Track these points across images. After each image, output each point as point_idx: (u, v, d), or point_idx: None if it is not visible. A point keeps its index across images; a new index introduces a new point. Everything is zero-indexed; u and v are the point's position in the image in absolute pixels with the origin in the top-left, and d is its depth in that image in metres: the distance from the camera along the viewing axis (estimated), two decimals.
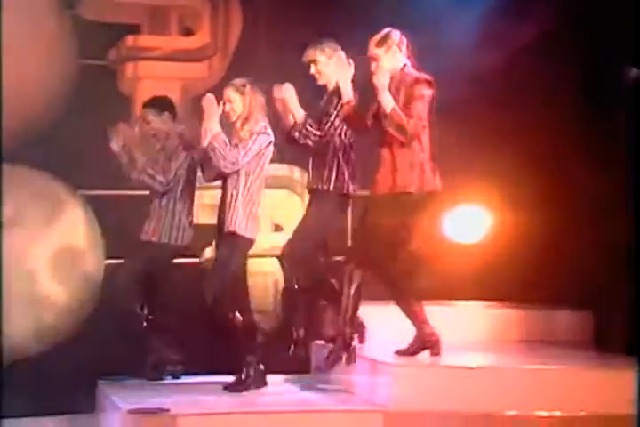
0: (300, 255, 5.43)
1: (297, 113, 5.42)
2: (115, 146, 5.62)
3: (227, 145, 5.26)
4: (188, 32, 6.80)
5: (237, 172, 5.29)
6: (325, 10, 6.45)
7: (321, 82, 5.48)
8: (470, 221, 6.79)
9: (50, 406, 5.46)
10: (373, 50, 5.20)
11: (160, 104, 5.79)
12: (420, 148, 5.15)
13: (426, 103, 5.11)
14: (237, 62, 6.69)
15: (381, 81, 5.03)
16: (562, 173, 6.42)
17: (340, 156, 5.46)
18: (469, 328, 6.09)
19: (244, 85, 5.36)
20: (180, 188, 5.68)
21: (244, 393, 5.31)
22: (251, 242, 5.36)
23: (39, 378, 5.49)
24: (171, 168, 5.63)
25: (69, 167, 6.21)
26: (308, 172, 5.59)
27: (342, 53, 5.45)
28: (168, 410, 4.90)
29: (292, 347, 5.52)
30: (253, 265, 5.89)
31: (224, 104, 5.34)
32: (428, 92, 5.11)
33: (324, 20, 6.41)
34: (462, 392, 5.09)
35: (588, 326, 6.14)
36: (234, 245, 5.30)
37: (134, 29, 6.69)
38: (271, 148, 5.36)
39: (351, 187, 5.47)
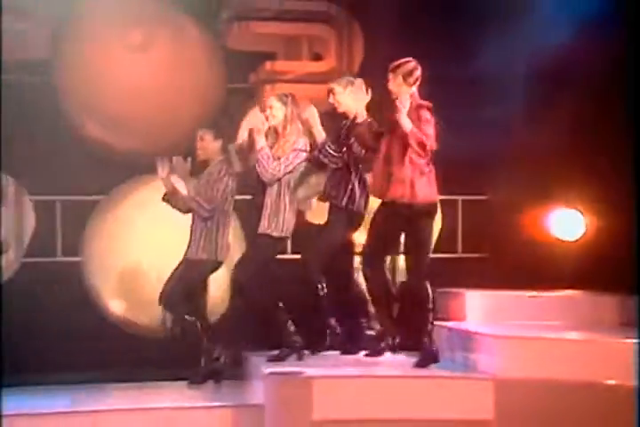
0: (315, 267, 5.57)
1: (318, 134, 5.55)
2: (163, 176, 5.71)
3: (269, 158, 5.42)
4: (317, 57, 7.08)
5: (278, 183, 5.45)
6: (436, 37, 6.66)
7: (340, 110, 5.65)
8: (571, 221, 6.87)
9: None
10: (389, 74, 5.45)
11: (220, 129, 5.85)
12: (409, 165, 5.30)
13: (432, 126, 5.30)
14: None
15: (403, 103, 5.22)
16: None
17: (354, 175, 5.61)
18: (571, 314, 6.12)
19: (286, 96, 5.56)
20: (224, 208, 5.72)
21: (373, 360, 5.52)
22: (283, 240, 5.57)
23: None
24: (214, 195, 5.66)
25: None
26: (326, 187, 5.69)
27: (358, 84, 5.61)
28: (303, 373, 5.14)
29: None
30: None
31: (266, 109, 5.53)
32: (429, 117, 5.31)
33: (438, 46, 6.59)
34: (565, 362, 5.17)
35: None
36: (267, 244, 5.48)
37: (271, 56, 7.00)
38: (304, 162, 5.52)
39: (362, 204, 5.61)
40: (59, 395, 5.45)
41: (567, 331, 5.69)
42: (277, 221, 5.49)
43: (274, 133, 5.58)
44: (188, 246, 5.73)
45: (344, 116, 5.71)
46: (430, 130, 5.29)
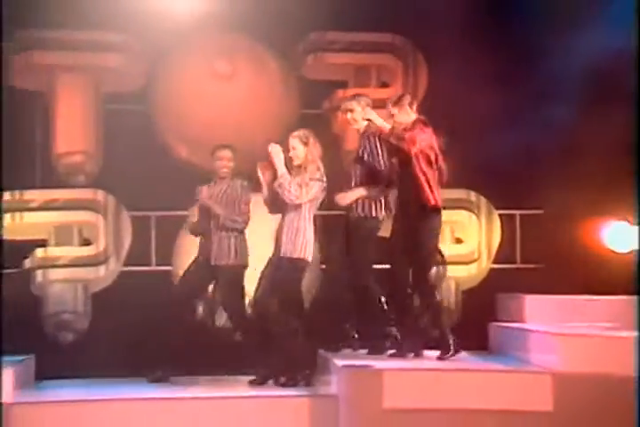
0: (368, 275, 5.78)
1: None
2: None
3: (291, 183, 5.50)
4: (384, 85, 7.32)
5: (300, 208, 5.52)
6: (501, 64, 6.85)
7: (355, 127, 5.88)
8: (624, 234, 6.96)
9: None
10: (389, 108, 5.78)
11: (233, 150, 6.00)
12: (433, 172, 5.62)
13: (424, 133, 5.61)
14: (424, 109, 7.11)
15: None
16: None
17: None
18: (623, 316, 6.15)
19: (307, 137, 5.62)
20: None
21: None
22: (307, 263, 5.60)
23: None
24: (246, 210, 5.84)
25: None
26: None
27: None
28: (373, 366, 5.31)
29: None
30: None
31: (289, 150, 5.61)
32: (423, 126, 5.64)
33: (500, 71, 6.80)
34: (619, 359, 5.23)
35: None
36: (296, 267, 5.54)
37: (343, 84, 7.28)
38: (324, 193, 5.61)
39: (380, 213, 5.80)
40: (150, 386, 5.72)
41: (620, 331, 5.75)
42: (296, 244, 5.52)
43: (297, 169, 5.68)
44: (210, 256, 5.82)
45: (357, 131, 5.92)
46: (421, 135, 5.59)
